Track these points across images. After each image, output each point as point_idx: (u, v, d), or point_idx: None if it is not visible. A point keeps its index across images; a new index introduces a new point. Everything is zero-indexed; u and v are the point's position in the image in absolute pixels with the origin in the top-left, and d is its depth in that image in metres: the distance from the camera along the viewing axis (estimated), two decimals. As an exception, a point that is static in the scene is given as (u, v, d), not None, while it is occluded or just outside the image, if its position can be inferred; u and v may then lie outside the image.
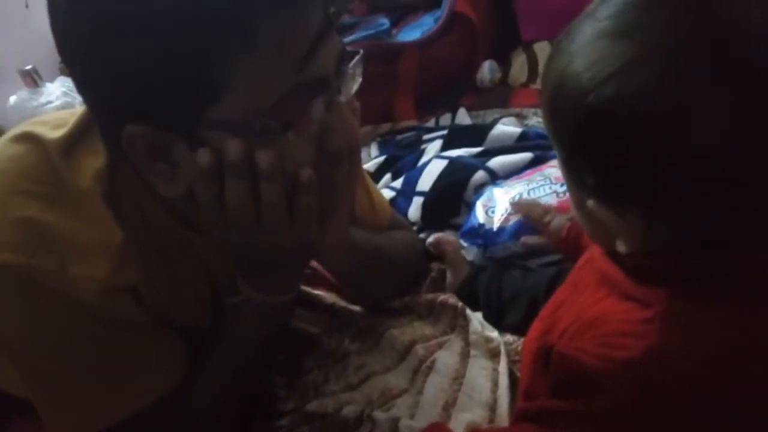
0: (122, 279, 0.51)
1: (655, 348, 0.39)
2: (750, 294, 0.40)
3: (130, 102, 0.44)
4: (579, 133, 0.40)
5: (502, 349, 0.68)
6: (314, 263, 0.80)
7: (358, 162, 0.56)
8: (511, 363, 0.67)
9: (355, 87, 0.50)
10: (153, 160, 0.46)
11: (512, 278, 0.75)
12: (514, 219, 0.81)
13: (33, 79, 1.40)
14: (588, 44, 0.39)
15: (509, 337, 0.70)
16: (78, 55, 0.44)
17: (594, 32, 0.39)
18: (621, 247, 0.44)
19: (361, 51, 0.50)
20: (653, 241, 0.42)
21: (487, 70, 1.29)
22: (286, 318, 0.64)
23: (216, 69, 0.42)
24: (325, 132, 0.48)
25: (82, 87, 0.47)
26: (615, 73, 0.37)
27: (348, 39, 1.21)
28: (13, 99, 1.47)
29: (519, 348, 0.67)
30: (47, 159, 0.50)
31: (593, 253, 0.50)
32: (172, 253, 0.56)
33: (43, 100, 1.42)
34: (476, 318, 0.72)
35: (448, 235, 0.85)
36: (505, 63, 1.33)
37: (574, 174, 0.43)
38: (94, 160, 0.51)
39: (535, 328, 0.54)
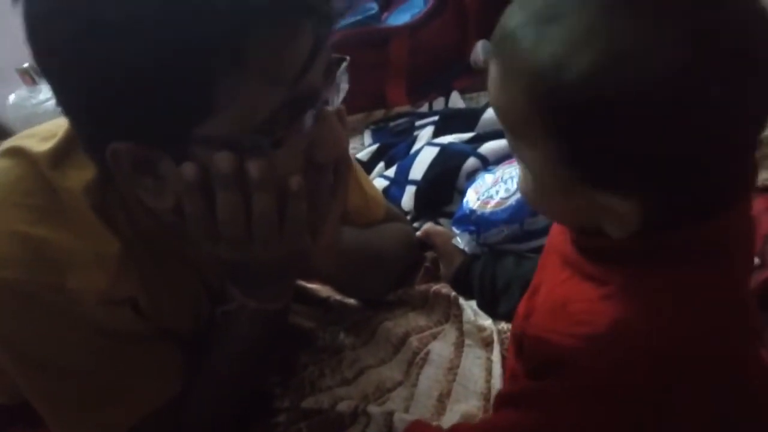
0: (121, 290, 0.51)
1: (615, 321, 0.41)
2: (698, 262, 0.42)
3: (115, 120, 0.43)
4: (575, 120, 0.38)
5: (495, 337, 0.68)
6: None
7: (347, 168, 0.55)
8: (505, 351, 0.67)
9: (342, 94, 0.50)
10: (139, 175, 0.45)
11: (505, 266, 0.75)
12: (506, 204, 0.80)
13: (31, 77, 1.41)
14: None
15: (503, 325, 0.70)
16: (59, 71, 0.43)
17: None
18: (612, 229, 0.42)
19: (348, 58, 0.49)
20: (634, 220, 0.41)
21: (480, 50, 1.27)
22: (281, 322, 0.63)
23: (205, 88, 0.41)
24: (313, 143, 0.47)
25: (63, 103, 0.46)
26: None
27: (336, 26, 1.19)
28: (12, 97, 1.48)
29: (512, 336, 0.67)
30: (37, 172, 0.50)
31: (553, 235, 0.50)
32: (168, 262, 0.56)
33: (42, 97, 1.42)
34: (469, 307, 0.72)
35: (438, 226, 0.85)
36: (498, 42, 1.31)
37: (558, 159, 0.41)
38: (83, 172, 0.50)
39: (518, 313, 0.54)
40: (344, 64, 0.49)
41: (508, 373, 0.55)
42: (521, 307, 0.54)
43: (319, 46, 0.43)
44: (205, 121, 0.42)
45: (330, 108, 0.48)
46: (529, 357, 0.45)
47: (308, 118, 0.45)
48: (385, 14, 1.26)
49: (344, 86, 0.50)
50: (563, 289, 0.46)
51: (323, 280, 0.76)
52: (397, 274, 0.78)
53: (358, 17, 1.20)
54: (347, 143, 0.52)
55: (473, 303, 0.74)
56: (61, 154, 0.51)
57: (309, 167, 0.48)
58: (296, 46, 0.42)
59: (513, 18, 0.39)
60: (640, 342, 0.41)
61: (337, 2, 0.47)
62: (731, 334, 0.42)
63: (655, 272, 0.42)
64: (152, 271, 0.54)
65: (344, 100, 0.51)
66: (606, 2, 0.37)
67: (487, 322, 0.70)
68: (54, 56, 0.43)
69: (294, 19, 0.42)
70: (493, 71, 0.41)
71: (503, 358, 0.67)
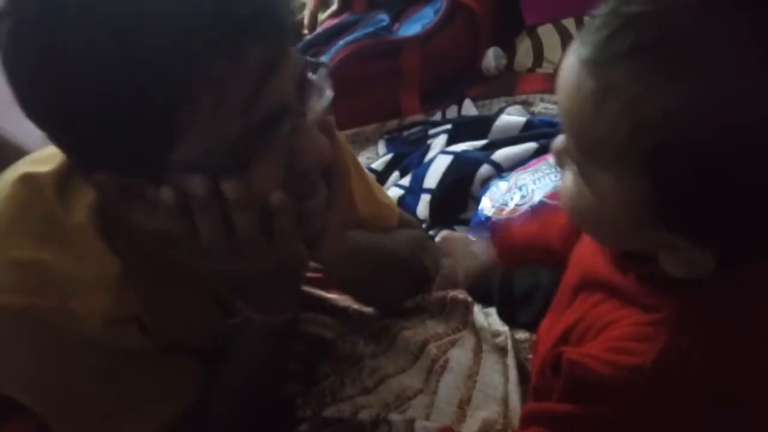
0: (123, 309, 0.52)
1: (665, 353, 0.39)
2: (757, 298, 0.40)
3: (90, 153, 0.44)
4: (679, 164, 0.35)
5: (509, 342, 0.68)
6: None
7: (341, 175, 0.56)
8: (524, 359, 0.67)
9: (323, 101, 0.49)
10: (127, 199, 0.46)
11: (523, 275, 0.75)
12: (520, 210, 0.81)
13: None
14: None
15: (522, 335, 0.70)
16: (31, 111, 0.45)
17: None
18: (674, 268, 0.40)
19: (326, 63, 0.49)
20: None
21: (492, 57, 1.28)
22: (290, 333, 0.64)
23: (163, 120, 0.42)
24: (293, 154, 0.47)
25: (48, 137, 0.47)
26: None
27: (349, 38, 1.21)
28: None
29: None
30: (42, 197, 0.51)
31: (581, 255, 0.49)
32: (172, 278, 0.57)
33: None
34: (481, 312, 0.72)
35: (455, 232, 0.85)
36: (509, 49, 1.31)
37: (642, 197, 0.38)
38: (85, 194, 0.51)
39: (544, 328, 0.54)
40: (321, 70, 0.49)
41: (531, 388, 0.54)
42: (548, 328, 0.53)
43: (273, 64, 0.43)
44: (172, 149, 0.43)
45: (310, 117, 0.48)
46: (565, 380, 0.44)
47: (281, 134, 0.45)
48: (397, 25, 1.27)
49: (327, 92, 0.49)
50: (598, 312, 0.45)
51: (341, 289, 0.77)
52: (411, 278, 0.78)
53: (370, 29, 1.21)
54: (331, 149, 0.51)
55: (486, 308, 0.74)
56: (65, 176, 0.52)
57: (296, 177, 0.48)
58: (246, 71, 0.42)
59: (619, 38, 0.36)
60: (692, 376, 0.39)
61: (284, 12, 0.45)
62: None
63: (712, 304, 0.40)
64: (156, 289, 0.55)
65: (333, 102, 0.50)
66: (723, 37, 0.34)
67: (502, 327, 0.71)
68: (23, 98, 0.44)
69: (238, 48, 0.42)
70: (586, 85, 0.37)
71: (518, 363, 0.67)
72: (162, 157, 0.44)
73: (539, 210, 0.69)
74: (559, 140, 0.43)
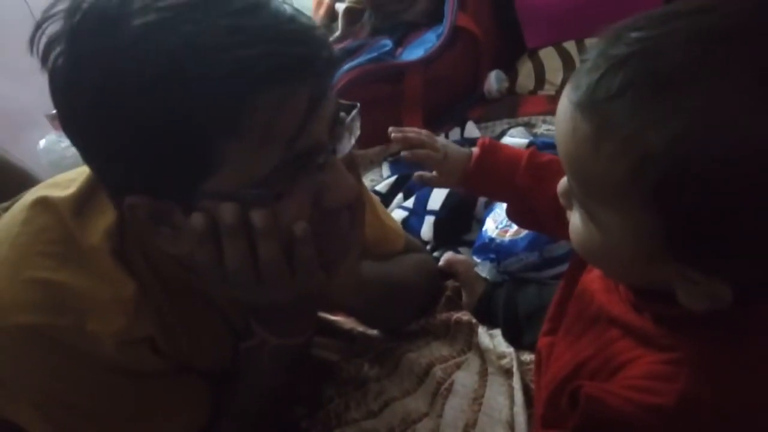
0: (138, 331, 0.53)
1: (685, 393, 0.39)
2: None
3: (128, 177, 0.45)
4: (683, 197, 0.35)
5: (515, 364, 0.68)
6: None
7: (362, 207, 0.56)
8: (531, 382, 0.67)
9: (353, 139, 0.51)
10: (156, 224, 0.47)
11: (527, 295, 0.75)
12: (524, 232, 0.81)
13: (61, 123, 1.46)
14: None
15: (527, 356, 0.70)
16: (77, 133, 0.46)
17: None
18: (690, 301, 0.39)
19: (359, 105, 0.50)
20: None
21: (493, 80, 1.29)
22: (303, 355, 0.64)
23: (206, 149, 0.43)
24: (321, 190, 0.48)
25: (84, 158, 0.48)
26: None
27: (353, 63, 1.23)
28: (42, 142, 1.54)
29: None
30: (59, 220, 0.52)
31: (593, 288, 0.49)
32: (187, 302, 0.57)
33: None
34: (486, 333, 0.72)
35: (459, 255, 0.85)
36: (511, 72, 1.33)
37: (650, 232, 0.37)
38: (103, 218, 0.52)
39: (548, 349, 0.53)
40: (355, 112, 0.50)
41: (539, 417, 0.53)
42: (560, 354, 0.51)
43: (317, 102, 0.45)
44: (208, 178, 0.44)
45: (340, 155, 0.49)
46: (582, 415, 0.42)
47: (313, 170, 0.46)
48: (400, 50, 1.29)
49: (356, 132, 0.50)
50: (616, 349, 0.44)
51: (347, 313, 0.77)
52: (418, 303, 0.78)
53: (374, 54, 1.23)
54: (358, 188, 0.52)
55: (491, 330, 0.74)
56: (83, 200, 0.53)
57: (321, 213, 0.49)
58: (292, 107, 0.43)
59: (610, 78, 0.36)
60: (713, 416, 0.39)
61: (330, 54, 0.46)
62: None
63: (731, 342, 0.40)
64: (171, 311, 0.56)
65: (358, 140, 0.51)
66: (720, 70, 0.34)
67: (507, 348, 0.70)
68: (72, 119, 0.45)
69: (289, 83, 0.43)
70: (581, 128, 0.37)
71: (524, 386, 0.67)
72: (198, 184, 0.45)
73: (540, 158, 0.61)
74: (563, 183, 0.44)
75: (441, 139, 0.68)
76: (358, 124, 0.51)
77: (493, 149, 0.64)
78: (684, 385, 0.39)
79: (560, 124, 0.39)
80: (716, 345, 0.40)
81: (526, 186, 0.60)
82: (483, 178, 0.63)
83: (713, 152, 0.33)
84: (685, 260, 0.37)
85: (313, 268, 0.49)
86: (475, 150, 0.64)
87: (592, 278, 0.50)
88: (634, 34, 0.36)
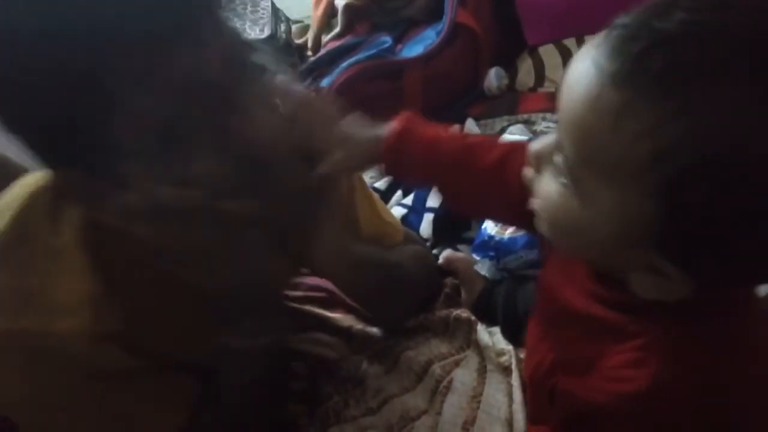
0: (105, 326, 0.51)
1: (658, 377, 0.39)
2: (738, 313, 0.40)
3: (47, 151, 0.44)
4: (696, 194, 0.34)
5: (513, 361, 0.68)
6: (331, 286, 0.82)
7: (331, 166, 0.53)
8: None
9: (271, 83, 0.48)
10: (97, 201, 0.46)
11: (527, 293, 0.75)
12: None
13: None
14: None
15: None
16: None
17: None
18: (647, 289, 0.39)
19: (267, 48, 0.49)
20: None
21: (493, 77, 1.29)
22: (277, 358, 0.63)
23: (95, 95, 0.41)
24: (237, 136, 0.45)
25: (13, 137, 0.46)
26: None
27: (352, 59, 1.22)
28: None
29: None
30: (31, 221, 0.51)
31: (551, 287, 0.48)
32: (160, 294, 0.55)
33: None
34: (485, 330, 0.72)
35: (458, 252, 0.85)
36: (511, 69, 1.32)
37: (645, 220, 0.36)
38: (73, 212, 0.51)
39: (534, 363, 0.53)
40: (257, 52, 0.47)
41: (528, 413, 0.53)
42: (538, 359, 0.52)
43: (192, 35, 0.42)
44: (109, 133, 0.42)
45: (252, 98, 0.46)
46: (561, 409, 0.44)
47: (218, 114, 0.44)
48: (399, 46, 1.29)
49: (270, 70, 0.48)
50: (582, 346, 0.44)
51: (351, 299, 0.76)
52: (417, 293, 0.77)
53: (373, 51, 1.23)
54: (278, 125, 0.47)
55: (490, 328, 0.74)
56: (56, 195, 0.51)
57: (247, 162, 0.46)
58: (176, 49, 0.42)
59: (653, 54, 0.34)
60: (688, 396, 0.39)
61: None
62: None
63: (694, 323, 0.40)
64: (142, 305, 0.54)
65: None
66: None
67: (506, 346, 0.70)
68: None
69: (160, 37, 0.41)
70: (608, 97, 0.35)
71: (522, 383, 0.67)
72: (103, 144, 0.43)
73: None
74: (544, 144, 0.41)
75: (349, 121, 0.60)
76: (273, 60, 0.49)
77: (410, 129, 0.58)
78: (654, 368, 0.39)
79: (576, 87, 0.36)
80: (679, 326, 0.40)
81: (456, 160, 0.55)
82: (401, 156, 0.57)
83: (740, 154, 0.32)
84: (670, 254, 0.36)
85: (258, 249, 0.48)
86: (390, 129, 0.58)
87: (552, 273, 0.49)
88: (682, 15, 0.34)
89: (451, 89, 1.27)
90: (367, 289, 0.68)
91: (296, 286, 0.82)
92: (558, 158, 0.39)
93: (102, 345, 0.52)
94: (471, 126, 1.19)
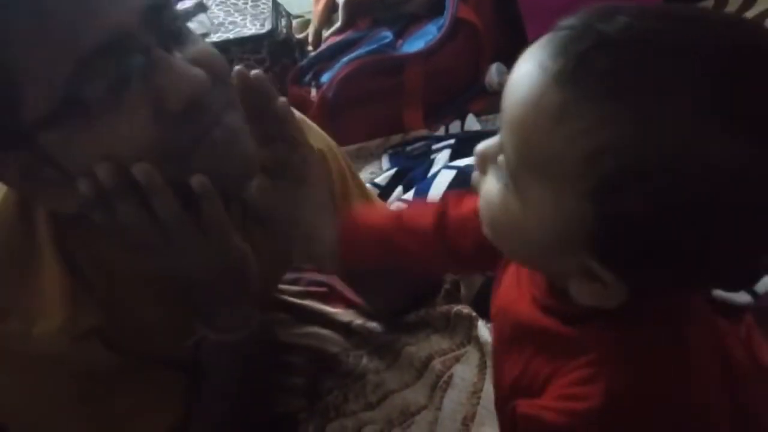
0: (83, 322, 0.51)
1: (611, 391, 0.38)
2: (684, 322, 0.40)
3: None
4: (634, 198, 0.33)
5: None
6: (331, 281, 0.82)
7: (299, 131, 0.52)
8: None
9: (198, 41, 0.46)
10: (33, 183, 0.45)
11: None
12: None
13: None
14: None
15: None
16: None
17: None
18: (583, 296, 0.39)
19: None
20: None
21: (494, 73, 1.29)
22: (252, 355, 0.60)
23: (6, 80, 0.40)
24: (159, 98, 0.43)
25: None
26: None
27: (352, 54, 1.22)
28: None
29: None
30: (4, 223, 0.50)
31: (505, 303, 0.48)
32: (134, 287, 0.55)
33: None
34: (485, 326, 0.72)
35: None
36: (512, 64, 1.31)
37: (581, 221, 0.36)
38: (45, 212, 0.50)
39: (499, 385, 0.51)
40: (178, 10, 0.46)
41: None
42: (499, 385, 0.51)
43: None
44: (21, 109, 0.41)
45: (176, 55, 0.44)
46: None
47: (132, 73, 0.42)
48: (400, 42, 1.28)
49: (200, 30, 0.48)
50: (535, 366, 0.43)
51: (346, 302, 0.75)
52: (419, 283, 0.75)
53: (374, 46, 1.22)
54: (205, 78, 0.44)
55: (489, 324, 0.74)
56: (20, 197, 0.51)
57: (180, 121, 0.44)
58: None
59: (596, 55, 0.34)
60: (642, 407, 0.38)
61: None
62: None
63: (640, 333, 0.39)
64: (118, 298, 0.53)
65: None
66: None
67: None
68: None
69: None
70: (550, 96, 0.35)
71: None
72: (18, 119, 0.42)
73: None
74: (490, 145, 0.41)
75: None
76: (204, 18, 0.47)
77: (353, 226, 0.56)
78: (606, 383, 0.38)
79: (520, 86, 0.36)
80: (631, 334, 0.39)
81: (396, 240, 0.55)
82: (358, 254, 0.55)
83: (675, 162, 0.32)
84: (604, 259, 0.36)
85: (224, 228, 0.46)
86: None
87: (505, 291, 0.49)
88: (627, 20, 0.34)
89: (452, 85, 1.27)
90: (368, 273, 0.66)
91: (296, 281, 0.82)
92: (501, 159, 0.39)
93: (84, 344, 0.51)
94: (472, 122, 1.19)
